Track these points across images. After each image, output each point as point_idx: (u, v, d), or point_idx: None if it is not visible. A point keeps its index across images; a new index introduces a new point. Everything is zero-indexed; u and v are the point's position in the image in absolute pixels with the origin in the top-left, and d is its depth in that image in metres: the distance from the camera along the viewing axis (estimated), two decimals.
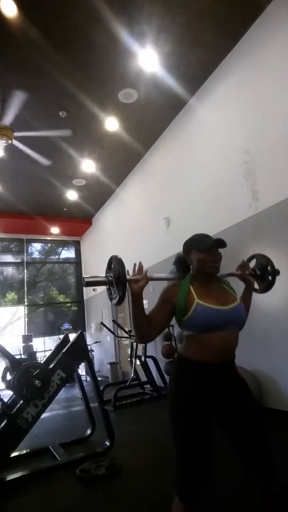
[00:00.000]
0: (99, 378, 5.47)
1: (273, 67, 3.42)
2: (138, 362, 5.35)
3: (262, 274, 1.71)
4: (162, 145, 5.60)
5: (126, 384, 5.17)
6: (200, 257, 1.36)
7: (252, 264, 1.77)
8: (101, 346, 8.05)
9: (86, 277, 1.33)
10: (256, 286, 1.70)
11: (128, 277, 1.29)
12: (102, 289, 8.13)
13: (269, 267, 1.71)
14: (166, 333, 4.86)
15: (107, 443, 2.81)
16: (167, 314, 1.33)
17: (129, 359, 5.66)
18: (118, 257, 1.32)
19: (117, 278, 1.28)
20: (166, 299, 1.35)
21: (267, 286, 1.71)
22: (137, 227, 6.45)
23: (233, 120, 3.99)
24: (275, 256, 3.56)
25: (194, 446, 1.18)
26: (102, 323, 6.52)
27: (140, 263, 1.35)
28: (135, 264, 1.34)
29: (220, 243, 1.35)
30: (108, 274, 1.36)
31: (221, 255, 1.40)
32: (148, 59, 3.89)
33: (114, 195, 7.53)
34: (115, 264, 1.30)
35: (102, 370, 7.88)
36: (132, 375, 5.32)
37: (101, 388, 3.97)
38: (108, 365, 6.98)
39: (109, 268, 1.37)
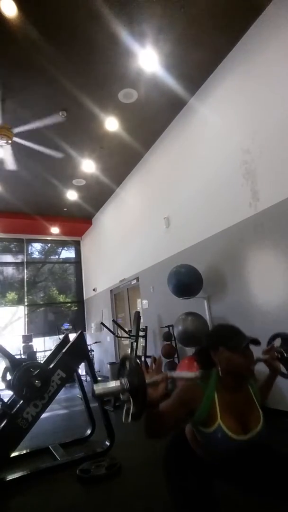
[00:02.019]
0: (99, 378, 5.47)
1: (273, 67, 3.42)
2: (138, 362, 5.35)
3: None
4: (162, 145, 5.60)
5: None
6: (232, 357, 1.19)
7: (277, 343, 1.61)
8: (101, 346, 8.05)
9: (97, 389, 1.09)
10: (283, 369, 1.51)
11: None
12: (102, 289, 8.13)
13: None
14: (166, 333, 4.86)
15: (107, 443, 2.81)
16: (182, 416, 1.19)
17: None
18: (134, 360, 1.10)
19: (135, 389, 1.04)
20: (185, 402, 1.19)
21: None
22: (137, 227, 6.45)
23: (233, 120, 3.99)
24: (275, 256, 3.57)
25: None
26: (102, 323, 6.52)
27: (160, 358, 1.18)
28: (153, 361, 1.15)
29: (255, 341, 1.21)
30: (122, 381, 1.10)
31: (253, 355, 1.23)
32: (148, 59, 3.89)
33: (114, 195, 7.53)
34: (131, 372, 1.07)
35: (102, 370, 7.88)
36: None
37: None
38: (108, 365, 6.97)
39: (122, 367, 1.14)
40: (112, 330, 6.30)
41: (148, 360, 5.23)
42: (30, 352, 7.00)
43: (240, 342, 1.18)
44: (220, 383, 1.21)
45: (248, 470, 1.22)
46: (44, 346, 8.44)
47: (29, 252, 9.24)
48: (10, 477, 2.40)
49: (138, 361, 1.09)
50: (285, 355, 1.49)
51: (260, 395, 1.33)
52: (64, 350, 2.88)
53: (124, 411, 1.07)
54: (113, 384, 1.09)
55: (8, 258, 9.10)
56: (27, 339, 7.74)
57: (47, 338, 8.62)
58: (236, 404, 1.19)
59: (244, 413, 1.19)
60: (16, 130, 4.63)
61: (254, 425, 1.19)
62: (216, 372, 1.24)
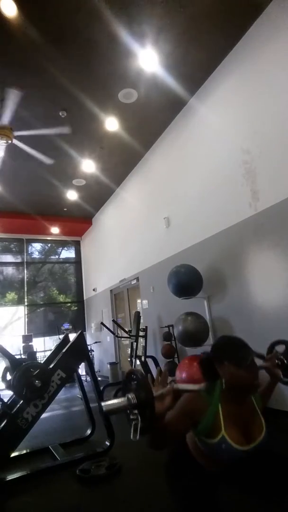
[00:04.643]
0: (99, 378, 5.47)
1: (273, 67, 3.42)
2: (138, 362, 5.35)
3: None
4: (162, 145, 5.60)
5: None
6: (236, 373, 1.16)
7: (280, 349, 1.60)
8: (101, 346, 8.05)
9: (105, 405, 1.09)
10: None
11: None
12: (102, 289, 8.13)
13: None
14: (166, 333, 4.86)
15: (107, 443, 2.81)
16: (186, 427, 1.20)
17: (129, 359, 5.66)
18: (141, 373, 1.09)
19: (143, 404, 1.03)
20: (189, 414, 1.18)
21: None
22: (137, 227, 6.45)
23: (233, 120, 3.99)
24: (275, 256, 3.57)
25: None
26: (102, 323, 6.52)
27: (166, 371, 1.17)
28: (158, 374, 1.15)
29: (260, 356, 1.24)
30: (129, 394, 1.09)
31: (258, 370, 1.21)
32: (148, 59, 3.89)
33: (114, 195, 7.53)
34: (139, 387, 1.07)
35: (102, 370, 7.88)
36: None
37: (101, 388, 3.97)
38: (108, 365, 6.98)
39: (128, 381, 1.13)
40: (112, 330, 6.30)
41: (148, 360, 5.23)
42: (30, 352, 6.99)
43: (245, 358, 1.17)
44: (224, 395, 1.20)
45: (250, 474, 1.23)
46: (44, 346, 8.44)
47: (29, 252, 9.24)
48: (10, 477, 2.40)
49: (144, 374, 1.07)
50: (286, 362, 1.49)
51: (261, 402, 1.34)
52: (64, 350, 2.88)
53: (132, 427, 1.05)
54: (121, 400, 1.09)
55: (8, 258, 9.09)
56: (27, 339, 7.74)
57: (47, 338, 8.62)
58: (240, 416, 1.19)
59: (247, 424, 1.20)
60: (16, 130, 4.62)
61: (257, 435, 1.20)
62: (220, 384, 1.22)
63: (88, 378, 6.56)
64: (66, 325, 8.18)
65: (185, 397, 1.20)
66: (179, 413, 1.16)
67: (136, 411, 1.04)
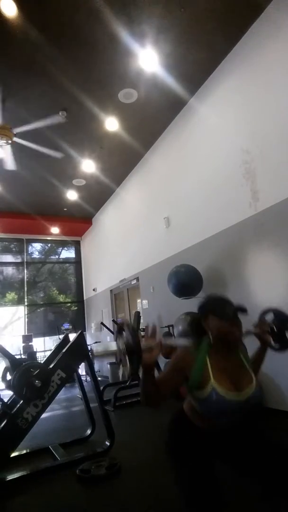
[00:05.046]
0: (99, 378, 5.47)
1: (273, 67, 3.42)
2: (134, 327, 5.33)
3: (281, 332, 1.54)
4: (162, 145, 5.60)
5: (126, 384, 5.17)
6: (219, 325, 1.27)
7: (268, 317, 1.63)
8: (101, 346, 8.05)
9: (96, 350, 1.23)
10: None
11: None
12: (102, 289, 8.13)
13: None
14: (166, 333, 4.86)
15: (107, 443, 2.81)
16: (178, 383, 1.27)
17: None
18: (131, 324, 1.18)
19: (131, 350, 1.15)
20: (179, 368, 1.27)
21: (285, 344, 1.54)
22: (137, 227, 6.45)
23: (233, 120, 3.99)
24: (275, 256, 3.57)
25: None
26: (102, 323, 6.53)
27: (154, 326, 1.23)
28: (147, 328, 1.22)
29: (242, 309, 1.28)
30: (119, 342, 1.22)
31: (241, 323, 1.30)
32: (148, 59, 3.89)
33: (114, 195, 7.53)
34: (127, 334, 1.18)
35: (102, 370, 7.87)
36: None
37: (101, 388, 3.97)
38: (108, 365, 6.98)
39: (119, 332, 1.23)
40: (112, 330, 6.30)
41: None
42: (30, 352, 6.97)
43: (227, 311, 1.27)
44: (211, 348, 1.28)
45: (244, 452, 1.26)
46: (44, 346, 8.44)
47: (29, 252, 9.25)
48: (10, 477, 2.40)
49: (133, 325, 1.14)
50: (276, 329, 1.54)
51: (252, 368, 1.38)
52: (64, 350, 2.87)
53: (120, 369, 1.20)
54: (111, 345, 1.17)
55: (8, 258, 9.10)
56: (27, 339, 7.74)
57: (47, 338, 8.62)
58: (228, 368, 1.26)
59: (235, 375, 1.26)
60: (16, 130, 4.62)
61: (246, 384, 1.25)
62: (207, 338, 1.31)
63: (88, 378, 6.55)
64: (66, 325, 8.17)
65: (176, 354, 1.29)
66: (171, 369, 1.27)
67: (125, 355, 1.17)
